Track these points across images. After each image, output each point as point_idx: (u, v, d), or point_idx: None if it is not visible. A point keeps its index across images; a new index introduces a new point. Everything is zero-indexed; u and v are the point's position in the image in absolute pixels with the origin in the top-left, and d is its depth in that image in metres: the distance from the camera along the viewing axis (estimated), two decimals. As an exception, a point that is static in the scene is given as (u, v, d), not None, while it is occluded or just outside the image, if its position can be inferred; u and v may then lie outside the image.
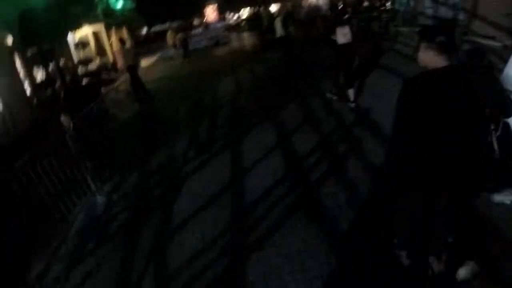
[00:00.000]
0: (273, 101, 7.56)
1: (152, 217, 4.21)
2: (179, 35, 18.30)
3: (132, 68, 10.16)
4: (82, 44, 14.39)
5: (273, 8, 25.17)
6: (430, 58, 2.22)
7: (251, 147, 5.58)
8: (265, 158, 5.10)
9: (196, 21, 34.38)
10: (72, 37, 13.75)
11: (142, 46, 22.13)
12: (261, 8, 24.81)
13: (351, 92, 6.32)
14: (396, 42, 9.44)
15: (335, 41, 6.28)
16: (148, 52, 19.45)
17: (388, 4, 13.64)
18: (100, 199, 5.04)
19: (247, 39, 20.02)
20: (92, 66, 14.59)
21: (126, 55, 10.75)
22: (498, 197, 3.11)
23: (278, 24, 11.30)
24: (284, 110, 6.86)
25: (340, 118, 6.01)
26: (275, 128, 6.18)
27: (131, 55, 10.59)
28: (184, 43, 17.77)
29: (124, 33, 18.11)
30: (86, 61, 14.41)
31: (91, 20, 14.46)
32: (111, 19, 16.29)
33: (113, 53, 16.21)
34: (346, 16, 6.79)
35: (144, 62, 16.69)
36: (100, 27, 15.71)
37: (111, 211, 4.68)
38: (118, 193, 5.12)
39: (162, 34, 22.94)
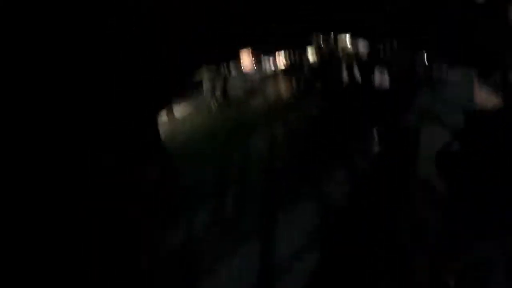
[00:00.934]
0: (313, 166, 6.45)
1: None
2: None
3: None
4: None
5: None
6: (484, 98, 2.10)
7: (287, 232, 4.46)
8: (303, 253, 3.96)
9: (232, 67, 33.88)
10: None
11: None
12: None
13: None
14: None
15: None
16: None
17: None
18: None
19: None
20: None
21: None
22: None
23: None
24: (326, 179, 5.75)
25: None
26: (316, 204, 5.05)
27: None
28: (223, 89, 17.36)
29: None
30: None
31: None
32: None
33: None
34: None
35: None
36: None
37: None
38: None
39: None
